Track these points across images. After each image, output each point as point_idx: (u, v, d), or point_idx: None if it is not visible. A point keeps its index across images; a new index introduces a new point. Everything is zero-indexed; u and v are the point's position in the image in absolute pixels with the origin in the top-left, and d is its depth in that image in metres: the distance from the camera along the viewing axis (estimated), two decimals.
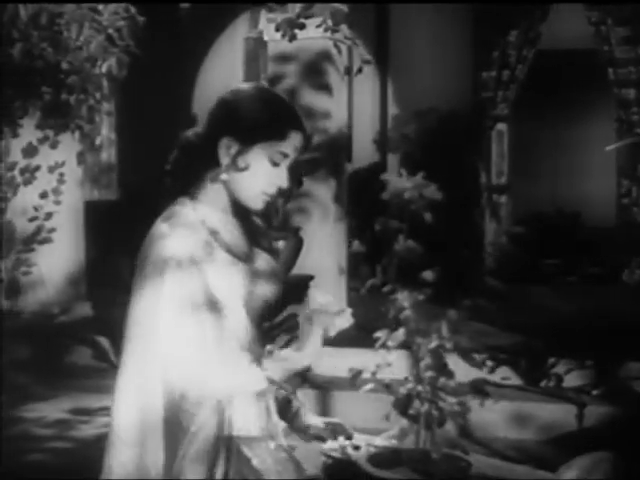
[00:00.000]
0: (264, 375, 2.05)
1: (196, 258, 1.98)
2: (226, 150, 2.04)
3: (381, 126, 10.42)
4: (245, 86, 2.14)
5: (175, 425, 1.95)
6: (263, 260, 2.15)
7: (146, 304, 1.98)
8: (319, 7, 6.50)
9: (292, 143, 2.07)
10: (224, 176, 2.06)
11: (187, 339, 1.96)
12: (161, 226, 2.03)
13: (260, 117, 2.05)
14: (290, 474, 2.01)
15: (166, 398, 1.96)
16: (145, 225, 2.10)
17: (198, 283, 1.97)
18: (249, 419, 2.05)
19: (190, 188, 2.10)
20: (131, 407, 2.00)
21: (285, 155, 2.07)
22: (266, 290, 2.12)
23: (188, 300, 1.96)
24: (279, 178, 2.08)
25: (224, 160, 2.05)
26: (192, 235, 2.01)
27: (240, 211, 2.12)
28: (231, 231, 2.10)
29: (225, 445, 1.99)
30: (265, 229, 2.23)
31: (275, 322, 2.25)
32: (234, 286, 2.03)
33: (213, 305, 1.99)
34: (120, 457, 2.02)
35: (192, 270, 1.97)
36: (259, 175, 2.06)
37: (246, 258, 2.10)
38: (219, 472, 1.97)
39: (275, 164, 2.06)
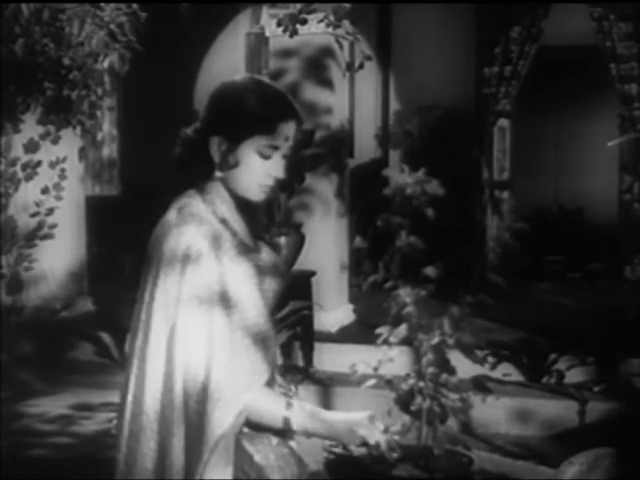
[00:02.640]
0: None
1: (211, 247, 1.98)
2: (217, 148, 2.05)
3: (383, 122, 10.42)
4: (234, 80, 2.12)
5: (196, 424, 1.93)
6: (266, 253, 2.15)
7: (163, 294, 1.97)
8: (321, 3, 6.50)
9: (282, 134, 2.05)
10: (218, 174, 2.07)
11: (205, 332, 1.94)
12: (173, 216, 2.03)
13: (245, 113, 2.04)
14: (292, 470, 2.01)
15: (187, 395, 1.94)
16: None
17: (214, 272, 1.96)
18: None
19: (196, 183, 2.11)
20: (155, 400, 1.98)
21: (275, 147, 2.05)
22: (274, 281, 2.11)
23: (205, 290, 1.95)
24: (274, 169, 2.07)
25: (215, 157, 2.06)
26: (204, 224, 2.01)
27: (241, 204, 2.13)
28: (239, 221, 2.11)
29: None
30: (266, 223, 2.23)
31: (278, 317, 2.24)
32: (249, 275, 2.03)
33: (230, 295, 1.97)
34: (143, 448, 2.00)
35: (208, 259, 1.97)
36: (252, 169, 2.06)
37: (255, 248, 2.11)
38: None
39: (265, 157, 2.05)
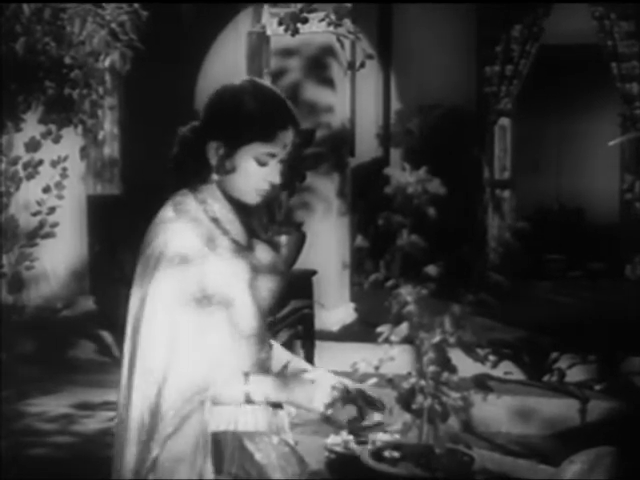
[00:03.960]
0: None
1: (196, 244, 1.99)
2: (214, 152, 2.06)
3: (384, 121, 10.41)
4: (233, 84, 2.11)
5: (150, 423, 1.95)
6: (264, 251, 2.15)
7: (146, 294, 1.98)
8: None
9: (280, 142, 2.06)
10: (215, 177, 2.08)
11: (169, 329, 1.95)
12: (165, 213, 2.05)
13: (244, 120, 2.04)
14: (293, 469, 2.01)
15: (144, 393, 1.95)
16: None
17: (194, 270, 1.97)
18: (255, 413, 2.05)
19: (191, 182, 2.11)
20: (123, 397, 2.01)
21: (272, 155, 2.06)
22: (269, 281, 2.11)
23: (179, 287, 1.96)
24: (270, 175, 2.07)
25: (213, 161, 2.06)
26: (194, 222, 2.02)
27: (238, 205, 2.13)
28: (232, 220, 2.11)
29: (225, 440, 1.99)
30: (264, 221, 2.23)
31: (278, 317, 2.24)
32: (239, 274, 2.04)
33: (212, 293, 1.99)
34: (118, 445, 2.03)
35: (189, 256, 1.98)
36: (249, 175, 2.06)
37: (248, 247, 2.11)
38: (209, 469, 1.96)
39: (262, 164, 2.06)
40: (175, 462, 1.94)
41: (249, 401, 2.01)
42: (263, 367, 2.11)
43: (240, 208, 2.13)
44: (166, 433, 1.93)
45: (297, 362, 2.29)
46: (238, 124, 2.04)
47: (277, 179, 2.08)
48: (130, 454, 1.98)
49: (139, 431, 1.96)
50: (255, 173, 2.06)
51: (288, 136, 2.07)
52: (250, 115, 2.04)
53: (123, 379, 2.02)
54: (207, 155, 2.06)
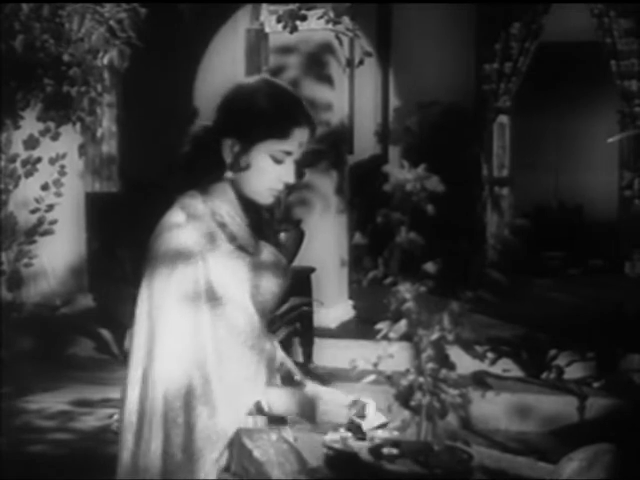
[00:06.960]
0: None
1: (203, 251, 1.98)
2: (229, 149, 2.04)
3: (383, 118, 10.41)
4: (248, 81, 2.11)
5: (178, 422, 1.95)
6: (269, 253, 2.15)
7: (153, 296, 1.98)
8: None
9: (296, 140, 2.05)
10: (229, 174, 2.06)
11: (190, 333, 1.96)
12: (172, 216, 2.04)
13: (260, 117, 2.03)
14: (292, 466, 2.01)
15: (167, 399, 1.96)
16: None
17: (204, 276, 1.97)
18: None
19: (201, 181, 2.10)
20: (136, 398, 2.01)
21: (288, 153, 2.05)
22: (273, 283, 2.11)
23: (193, 293, 1.96)
24: (285, 174, 2.06)
25: (228, 159, 2.05)
26: (200, 227, 2.01)
27: (248, 204, 2.12)
28: (239, 224, 2.10)
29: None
30: (271, 222, 2.23)
31: (277, 314, 2.25)
32: (240, 279, 2.03)
33: (218, 298, 1.98)
34: (125, 446, 2.03)
35: (199, 263, 1.97)
36: (263, 173, 2.05)
37: (253, 251, 2.10)
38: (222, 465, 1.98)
39: (278, 162, 2.04)
40: (185, 461, 1.95)
41: (259, 410, 2.03)
42: (270, 367, 2.11)
43: (250, 208, 2.12)
44: (164, 432, 1.95)
45: (289, 364, 2.30)
46: (254, 120, 2.03)
47: (292, 178, 2.07)
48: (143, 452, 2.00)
49: (146, 430, 1.97)
50: (270, 171, 2.04)
51: (304, 134, 2.06)
52: (266, 112, 2.03)
53: (136, 381, 2.02)
54: (222, 153, 2.04)
